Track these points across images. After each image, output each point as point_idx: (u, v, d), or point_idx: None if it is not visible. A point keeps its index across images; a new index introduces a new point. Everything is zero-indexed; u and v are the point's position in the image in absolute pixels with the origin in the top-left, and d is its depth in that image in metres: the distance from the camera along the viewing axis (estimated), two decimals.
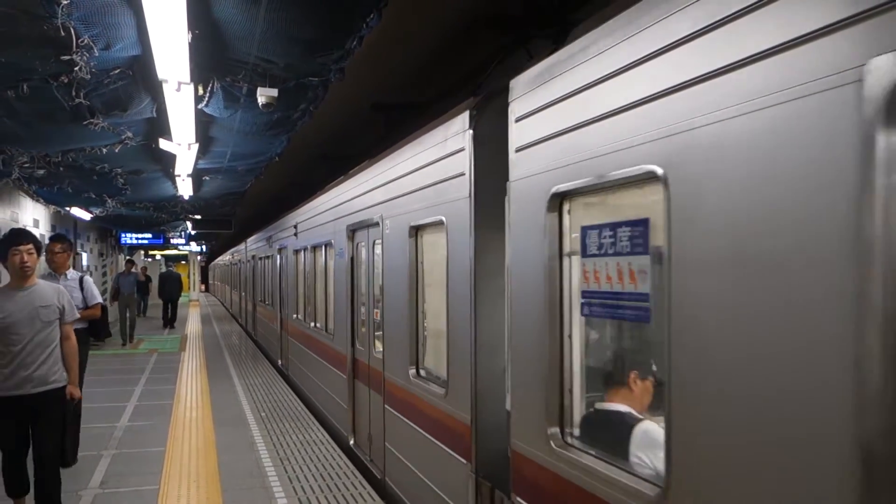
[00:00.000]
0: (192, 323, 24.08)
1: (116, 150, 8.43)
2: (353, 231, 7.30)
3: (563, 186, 3.08)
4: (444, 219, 4.57)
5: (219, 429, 8.16)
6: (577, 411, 3.22)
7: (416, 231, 5.26)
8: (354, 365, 7.32)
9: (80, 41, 4.62)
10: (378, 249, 6.27)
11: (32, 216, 14.34)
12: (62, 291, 5.29)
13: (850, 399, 1.69)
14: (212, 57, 5.24)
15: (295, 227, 11.41)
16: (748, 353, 2.05)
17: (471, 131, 4.18)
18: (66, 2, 4.06)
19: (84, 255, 20.13)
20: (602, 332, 3.40)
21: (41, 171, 9.83)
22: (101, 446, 7.37)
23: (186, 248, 35.49)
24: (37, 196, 13.91)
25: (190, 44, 4.64)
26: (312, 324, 9.83)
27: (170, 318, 22.17)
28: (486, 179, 4.08)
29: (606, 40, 2.80)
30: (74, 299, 5.99)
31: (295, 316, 11.46)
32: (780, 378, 1.92)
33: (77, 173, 10.35)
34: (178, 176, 10.80)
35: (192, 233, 24.46)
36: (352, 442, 7.38)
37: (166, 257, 45.18)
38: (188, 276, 39.91)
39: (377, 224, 6.21)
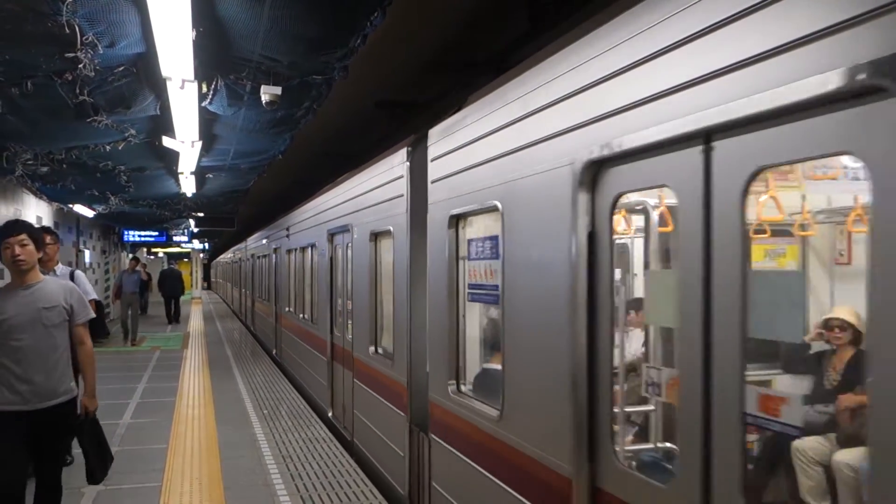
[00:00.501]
0: (195, 320, 24.10)
1: (120, 148, 8.43)
2: (332, 235, 8.55)
3: (456, 210, 4.43)
4: (391, 228, 5.84)
5: (221, 426, 8.17)
6: (471, 370, 4.59)
7: (375, 237, 6.51)
8: (332, 348, 8.58)
9: (84, 38, 4.62)
10: (349, 251, 7.54)
11: (35, 213, 14.36)
12: (71, 289, 4.66)
13: (569, 350, 3.03)
14: (216, 55, 5.24)
15: (287, 229, 12.73)
16: (536, 322, 3.41)
17: (407, 163, 5.47)
18: None
19: (87, 253, 20.16)
20: (487, 314, 4.72)
21: (44, 169, 9.84)
22: None
23: (189, 245, 35.53)
24: (40, 193, 13.93)
25: (194, 41, 4.64)
26: (301, 315, 11.16)
27: (173, 315, 22.80)
28: (418, 201, 5.23)
29: (475, 114, 4.18)
30: None
31: (287, 309, 12.74)
32: (549, 338, 3.23)
33: (80, 170, 10.36)
34: (182, 173, 10.81)
35: (195, 230, 24.45)
36: (330, 414, 8.62)
37: (169, 255, 45.25)
38: (191, 274, 40.04)
39: (348, 230, 7.45)
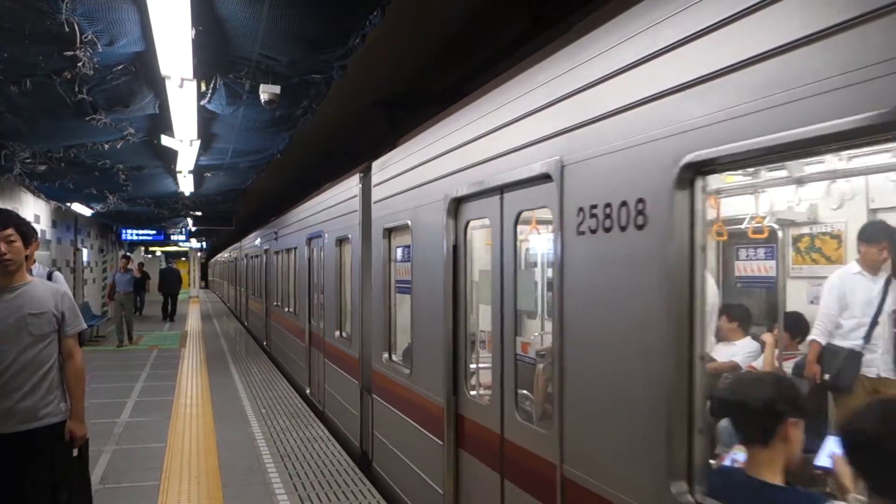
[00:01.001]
0: (192, 319, 24.09)
1: (118, 146, 8.44)
2: (309, 240, 10.03)
3: (388, 225, 5.90)
4: (350, 236, 7.37)
5: (219, 425, 8.18)
6: (402, 345, 5.85)
7: (339, 242, 8.05)
8: (310, 335, 10.03)
9: (83, 37, 4.63)
10: (322, 254, 9.08)
11: (34, 212, 14.34)
12: (63, 294, 3.95)
13: (443, 326, 4.44)
14: (215, 53, 5.24)
15: (275, 233, 14.32)
16: (428, 307, 4.79)
17: (360, 185, 6.96)
18: None
19: (85, 251, 20.15)
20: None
21: (43, 167, 9.84)
22: (102, 442, 7.39)
23: (187, 244, 35.50)
24: (38, 192, 13.92)
25: (193, 40, 4.65)
26: (286, 309, 12.64)
27: (169, 312, 23.40)
28: (367, 215, 6.66)
29: (398, 156, 5.72)
30: None
31: (275, 304, 14.29)
32: (435, 318, 4.59)
33: (79, 169, 10.36)
34: (180, 172, 10.81)
35: (193, 229, 24.44)
36: (308, 391, 10.15)
37: (166, 254, 45.20)
38: (188, 273, 40.06)
39: (321, 236, 9.02)
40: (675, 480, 2.34)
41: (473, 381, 4.51)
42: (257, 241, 18.21)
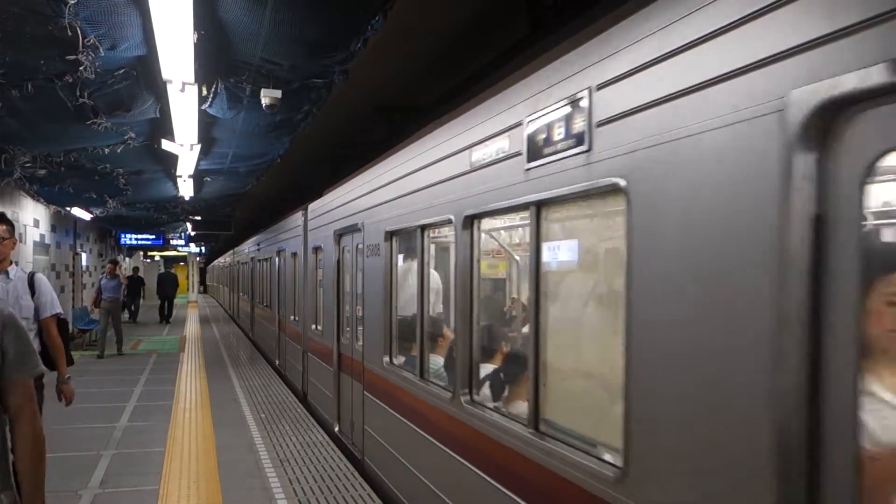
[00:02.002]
0: (191, 324, 24.06)
1: (119, 151, 8.44)
2: (279, 252, 13.21)
3: (313, 245, 9.40)
4: (298, 252, 10.70)
5: (218, 429, 8.15)
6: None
7: (293, 255, 11.25)
8: (283, 325, 12.68)
9: (85, 41, 4.63)
10: (286, 262, 12.31)
11: (33, 216, 14.33)
12: (7, 318, 2.42)
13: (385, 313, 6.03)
14: (216, 58, 5.25)
15: (258, 245, 17.77)
16: (371, 303, 6.30)
17: (304, 218, 10.17)
18: (73, 1, 4.08)
19: (84, 256, 20.11)
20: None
21: (43, 171, 9.84)
22: (101, 446, 7.37)
23: (186, 249, 35.48)
24: (37, 196, 13.91)
25: (195, 44, 4.65)
26: (265, 304, 15.75)
27: (166, 315, 24.37)
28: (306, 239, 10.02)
29: (323, 200, 8.72)
30: (22, 309, 4.86)
31: (258, 301, 17.37)
32: (376, 310, 6.10)
33: (78, 173, 10.36)
34: (180, 176, 10.81)
35: (192, 234, 24.44)
36: (277, 362, 13.10)
37: (165, 258, 45.17)
38: (187, 278, 40.05)
39: (283, 250, 12.52)
40: None
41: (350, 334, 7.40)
42: (248, 249, 20.35)
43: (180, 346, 16.83)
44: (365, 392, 6.62)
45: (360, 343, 6.92)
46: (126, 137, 7.80)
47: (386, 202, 5.89)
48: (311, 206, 9.57)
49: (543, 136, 3.10)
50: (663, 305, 2.30)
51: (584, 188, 2.78)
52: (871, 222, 1.84)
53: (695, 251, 2.17)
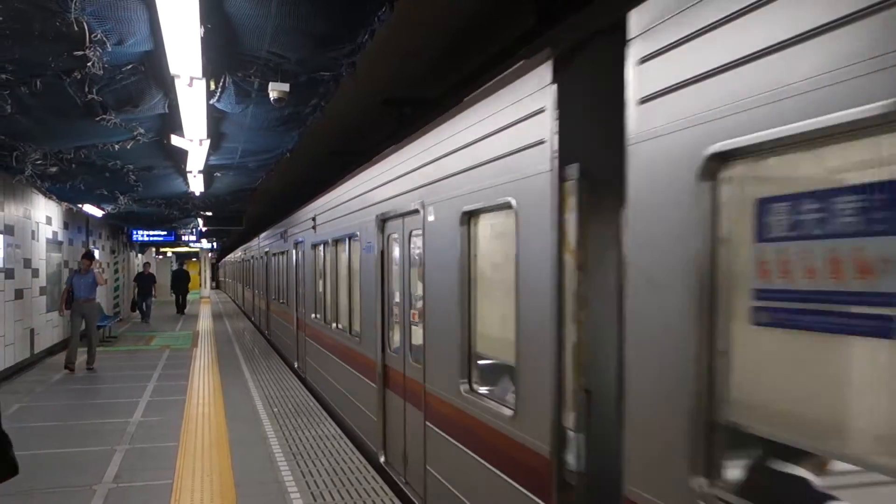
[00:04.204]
0: (203, 319, 24.19)
1: (128, 147, 8.46)
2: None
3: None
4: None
5: (231, 424, 8.19)
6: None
7: (270, 256, 15.13)
8: (268, 315, 14.54)
9: (93, 36, 4.63)
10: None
11: (45, 213, 14.43)
12: None
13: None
14: (224, 52, 5.24)
15: (259, 243, 19.74)
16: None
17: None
18: None
19: (96, 252, 20.24)
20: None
21: (54, 168, 9.89)
22: (115, 441, 7.41)
23: (197, 245, 35.64)
24: (49, 193, 13.99)
25: (202, 39, 4.64)
26: (274, 297, 16.56)
27: (181, 305, 27.30)
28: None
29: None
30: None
31: (269, 294, 18.15)
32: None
33: (89, 170, 10.40)
34: (190, 172, 10.83)
35: (203, 230, 24.51)
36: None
37: (177, 255, 45.40)
38: (199, 274, 40.31)
39: (267, 251, 15.17)
40: None
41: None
42: (259, 245, 20.93)
43: (193, 342, 16.92)
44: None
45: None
46: (135, 133, 7.82)
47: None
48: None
49: None
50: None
51: None
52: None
53: None
